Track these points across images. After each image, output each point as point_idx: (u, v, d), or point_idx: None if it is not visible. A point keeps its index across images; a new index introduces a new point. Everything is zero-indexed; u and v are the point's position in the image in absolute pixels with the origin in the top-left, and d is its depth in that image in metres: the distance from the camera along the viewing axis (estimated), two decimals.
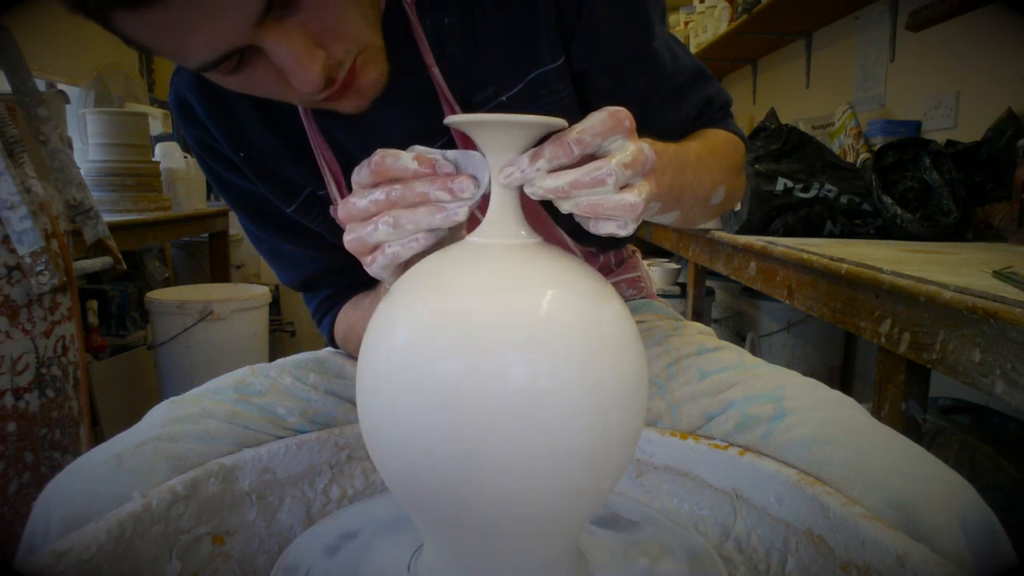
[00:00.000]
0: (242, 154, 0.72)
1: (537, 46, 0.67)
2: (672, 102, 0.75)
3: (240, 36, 0.49)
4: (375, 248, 0.50)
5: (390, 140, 0.65)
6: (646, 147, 0.49)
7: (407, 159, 0.48)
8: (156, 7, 0.45)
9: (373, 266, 0.51)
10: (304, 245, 0.78)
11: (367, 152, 0.66)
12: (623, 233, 0.49)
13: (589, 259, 0.86)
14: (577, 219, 0.49)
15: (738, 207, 1.58)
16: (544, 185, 0.47)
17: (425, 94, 0.67)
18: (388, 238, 0.49)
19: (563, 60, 0.68)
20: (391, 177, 0.49)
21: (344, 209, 0.51)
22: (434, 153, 0.49)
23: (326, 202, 0.74)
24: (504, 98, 0.68)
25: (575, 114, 0.70)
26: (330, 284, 0.80)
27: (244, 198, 0.77)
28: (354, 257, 0.74)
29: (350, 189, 0.69)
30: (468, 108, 0.68)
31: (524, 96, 0.68)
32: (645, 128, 0.59)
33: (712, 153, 0.71)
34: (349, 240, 0.51)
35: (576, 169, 0.47)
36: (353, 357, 0.79)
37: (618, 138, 0.48)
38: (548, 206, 0.74)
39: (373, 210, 0.49)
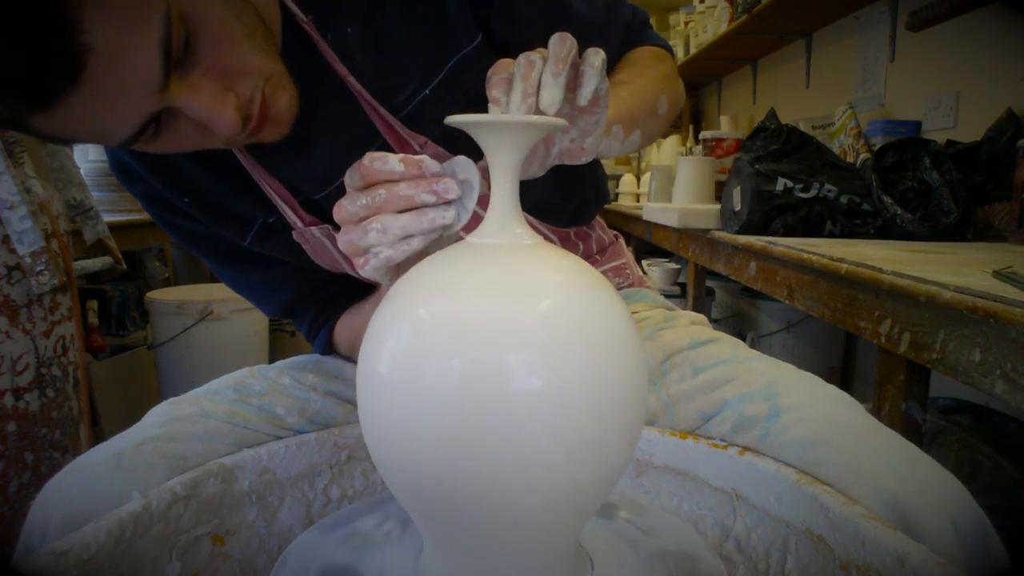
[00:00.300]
0: (186, 199, 0.73)
1: (452, 30, 0.67)
2: (597, 40, 0.74)
3: (150, 104, 0.51)
4: (367, 251, 0.50)
5: (325, 158, 0.69)
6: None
7: (394, 162, 0.48)
8: (60, 106, 0.47)
9: (366, 268, 0.51)
10: (272, 274, 0.79)
11: (309, 173, 0.69)
12: (602, 119, 0.52)
13: (568, 245, 0.85)
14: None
15: (738, 207, 1.58)
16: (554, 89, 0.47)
17: (349, 105, 0.68)
18: (378, 242, 0.49)
19: (481, 38, 0.68)
20: (379, 180, 0.49)
21: (337, 213, 0.51)
22: (420, 156, 0.50)
23: (279, 228, 0.74)
24: (427, 91, 0.68)
25: None
26: (312, 306, 0.81)
27: (203, 240, 0.77)
28: (326, 274, 0.76)
29: (306, 208, 0.71)
30: (392, 109, 0.68)
31: (447, 84, 0.68)
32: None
33: (639, 70, 0.73)
34: (343, 243, 0.51)
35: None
36: (354, 360, 0.78)
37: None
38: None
39: (362, 214, 0.49)
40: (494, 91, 0.49)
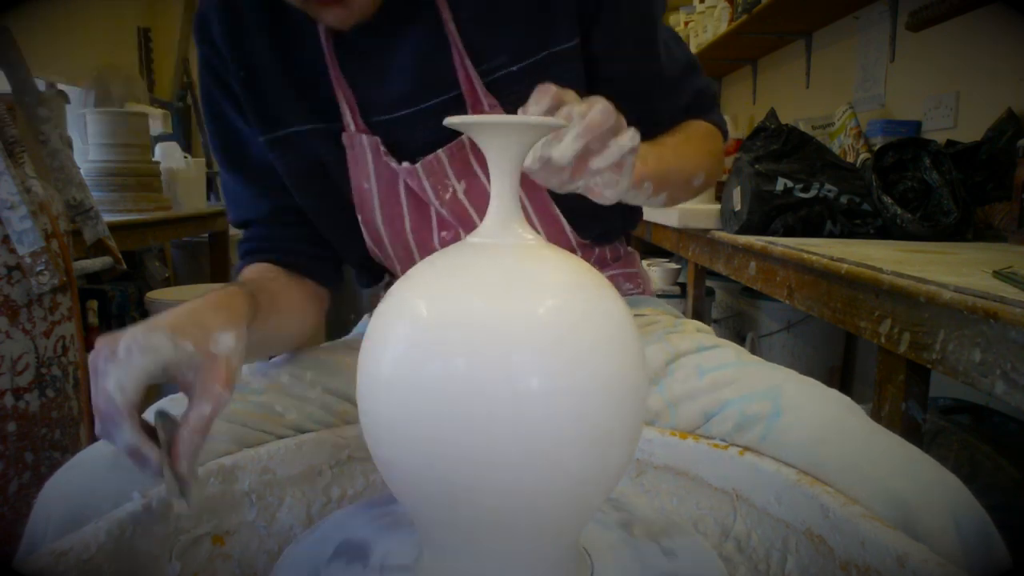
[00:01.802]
0: (243, 73, 0.76)
1: (555, 23, 0.71)
2: (669, 94, 0.80)
3: None
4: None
5: (402, 85, 0.73)
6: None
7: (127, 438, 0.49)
8: None
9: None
10: (255, 187, 0.81)
11: (382, 93, 0.74)
12: (623, 183, 0.53)
13: (585, 252, 0.86)
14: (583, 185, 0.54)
15: (738, 207, 1.58)
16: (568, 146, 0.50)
17: (438, 44, 0.72)
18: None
19: (577, 42, 0.73)
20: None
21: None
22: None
23: (304, 141, 0.77)
24: (515, 68, 0.72)
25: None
26: (262, 231, 0.82)
27: (225, 129, 0.80)
28: (296, 215, 0.81)
29: (363, 116, 0.75)
30: (481, 71, 0.72)
31: (535, 69, 0.72)
32: (643, 117, 0.66)
33: (689, 141, 0.77)
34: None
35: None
36: (349, 351, 0.79)
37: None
38: (554, 195, 0.78)
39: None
40: (532, 107, 0.52)
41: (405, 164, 0.75)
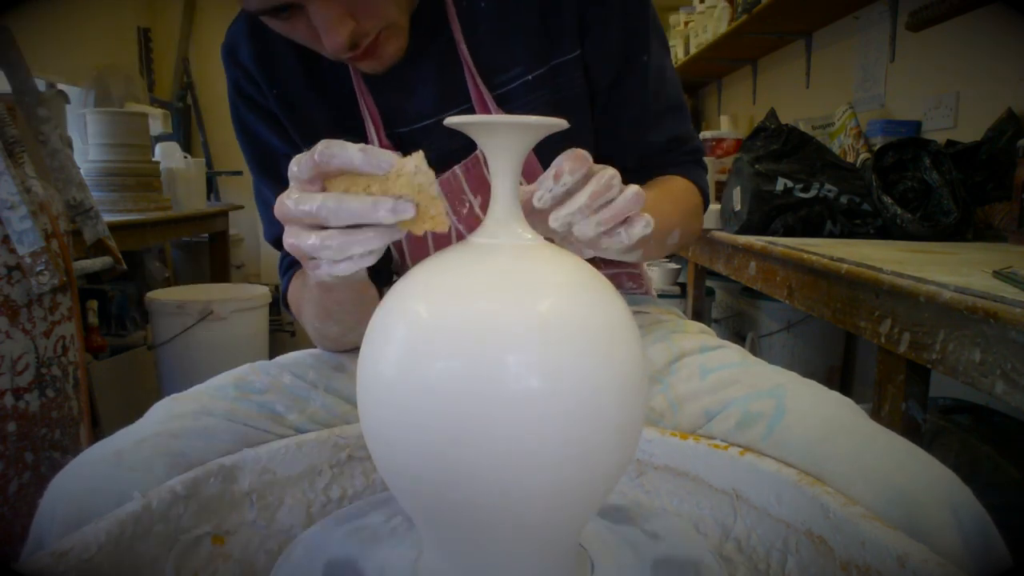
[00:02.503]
0: (276, 91, 0.80)
1: (559, 37, 0.76)
2: (647, 125, 0.83)
3: None
4: (314, 258, 0.48)
5: (420, 102, 0.79)
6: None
7: (353, 150, 0.45)
8: None
9: (315, 273, 0.49)
10: None
11: (402, 108, 0.78)
12: (643, 230, 0.52)
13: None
14: (603, 249, 0.53)
15: (738, 207, 1.58)
16: (574, 210, 0.50)
17: (452, 62, 0.76)
18: (325, 256, 0.46)
19: (579, 53, 0.76)
20: (334, 171, 0.46)
21: (280, 209, 0.48)
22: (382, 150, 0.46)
23: None
24: (524, 80, 0.77)
25: (585, 105, 0.80)
26: None
27: (261, 149, 0.84)
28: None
29: (387, 131, 0.79)
30: (490, 86, 0.77)
31: (545, 79, 0.77)
32: (619, 147, 0.75)
33: (669, 198, 0.79)
34: (288, 244, 0.48)
35: (582, 192, 0.50)
36: (350, 352, 0.79)
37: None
38: None
39: (307, 222, 0.46)
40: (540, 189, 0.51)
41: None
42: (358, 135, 0.81)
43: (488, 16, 0.75)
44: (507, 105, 0.77)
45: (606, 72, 0.79)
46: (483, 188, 0.79)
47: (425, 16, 0.74)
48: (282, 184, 0.82)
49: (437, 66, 0.77)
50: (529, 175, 0.80)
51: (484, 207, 0.79)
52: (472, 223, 0.80)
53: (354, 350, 0.78)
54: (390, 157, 0.45)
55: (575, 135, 0.79)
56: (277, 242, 0.85)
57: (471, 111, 0.77)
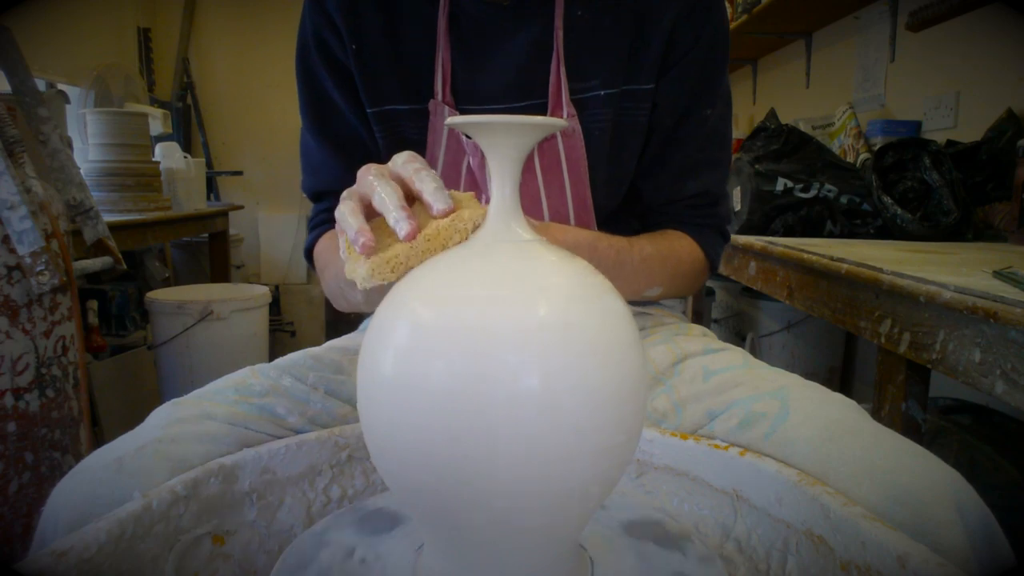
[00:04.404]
0: (354, 46, 0.81)
1: (641, 67, 0.79)
2: (687, 174, 0.85)
3: None
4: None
5: (495, 79, 0.79)
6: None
7: (427, 181, 0.50)
8: None
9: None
10: (341, 158, 0.85)
11: (475, 78, 0.81)
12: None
13: None
14: None
15: (738, 207, 1.58)
16: None
17: (542, 52, 0.78)
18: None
19: (653, 86, 0.80)
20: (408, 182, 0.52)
21: (360, 183, 0.53)
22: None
23: (401, 117, 0.82)
24: (599, 94, 0.79)
25: (641, 136, 0.83)
26: (330, 203, 0.87)
27: (320, 99, 0.85)
28: None
29: (455, 92, 0.82)
30: (571, 86, 0.78)
31: (617, 100, 0.80)
32: (654, 185, 0.83)
33: (662, 258, 0.80)
34: (338, 212, 0.53)
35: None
36: (350, 354, 0.79)
37: None
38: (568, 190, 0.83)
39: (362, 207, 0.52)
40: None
41: (472, 140, 0.79)
42: (425, 99, 0.81)
43: (583, 25, 0.78)
44: (581, 112, 0.79)
45: (671, 113, 0.81)
46: (526, 169, 0.80)
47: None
48: (331, 141, 0.86)
49: (530, 47, 0.78)
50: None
51: (520, 188, 0.81)
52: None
53: (354, 352, 0.79)
54: (447, 202, 0.49)
55: (621, 161, 0.85)
56: (315, 193, 0.89)
57: (544, 106, 0.79)
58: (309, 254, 0.89)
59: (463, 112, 0.81)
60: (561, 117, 0.77)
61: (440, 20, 0.79)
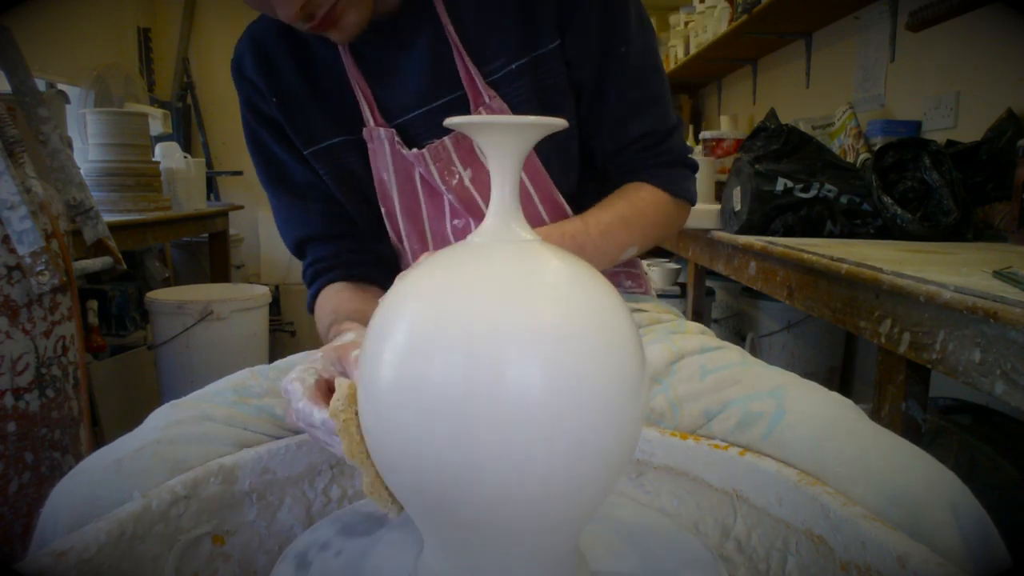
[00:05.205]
0: (275, 99, 0.84)
1: (538, 28, 0.78)
2: (625, 118, 0.83)
3: None
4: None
5: (412, 88, 0.81)
6: None
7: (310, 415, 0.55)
8: None
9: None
10: (303, 207, 0.88)
11: (395, 95, 0.82)
12: None
13: None
14: None
15: (738, 207, 1.58)
16: None
17: (442, 49, 0.78)
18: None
19: (559, 43, 0.78)
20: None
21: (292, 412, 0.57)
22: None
23: (341, 150, 0.84)
24: (514, 66, 0.78)
25: (569, 98, 0.82)
26: (319, 250, 0.89)
27: (268, 159, 0.88)
28: (346, 226, 0.89)
29: (382, 113, 0.83)
30: (482, 71, 0.78)
31: (528, 68, 0.79)
32: (600, 139, 0.81)
33: (623, 220, 0.80)
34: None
35: None
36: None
37: None
38: (559, 186, 0.84)
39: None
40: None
41: (414, 150, 0.81)
42: (356, 132, 0.83)
43: (469, 10, 0.78)
44: (501, 91, 0.79)
45: (586, 64, 0.80)
46: (473, 161, 0.80)
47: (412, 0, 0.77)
48: (289, 192, 0.88)
49: (429, 51, 0.79)
50: (530, 174, 0.81)
51: (475, 181, 0.81)
52: (464, 196, 0.82)
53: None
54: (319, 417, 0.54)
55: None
56: (298, 247, 0.91)
57: (464, 97, 0.79)
58: (312, 306, 0.91)
59: (394, 127, 0.82)
60: (482, 102, 0.78)
61: (345, 57, 0.81)
